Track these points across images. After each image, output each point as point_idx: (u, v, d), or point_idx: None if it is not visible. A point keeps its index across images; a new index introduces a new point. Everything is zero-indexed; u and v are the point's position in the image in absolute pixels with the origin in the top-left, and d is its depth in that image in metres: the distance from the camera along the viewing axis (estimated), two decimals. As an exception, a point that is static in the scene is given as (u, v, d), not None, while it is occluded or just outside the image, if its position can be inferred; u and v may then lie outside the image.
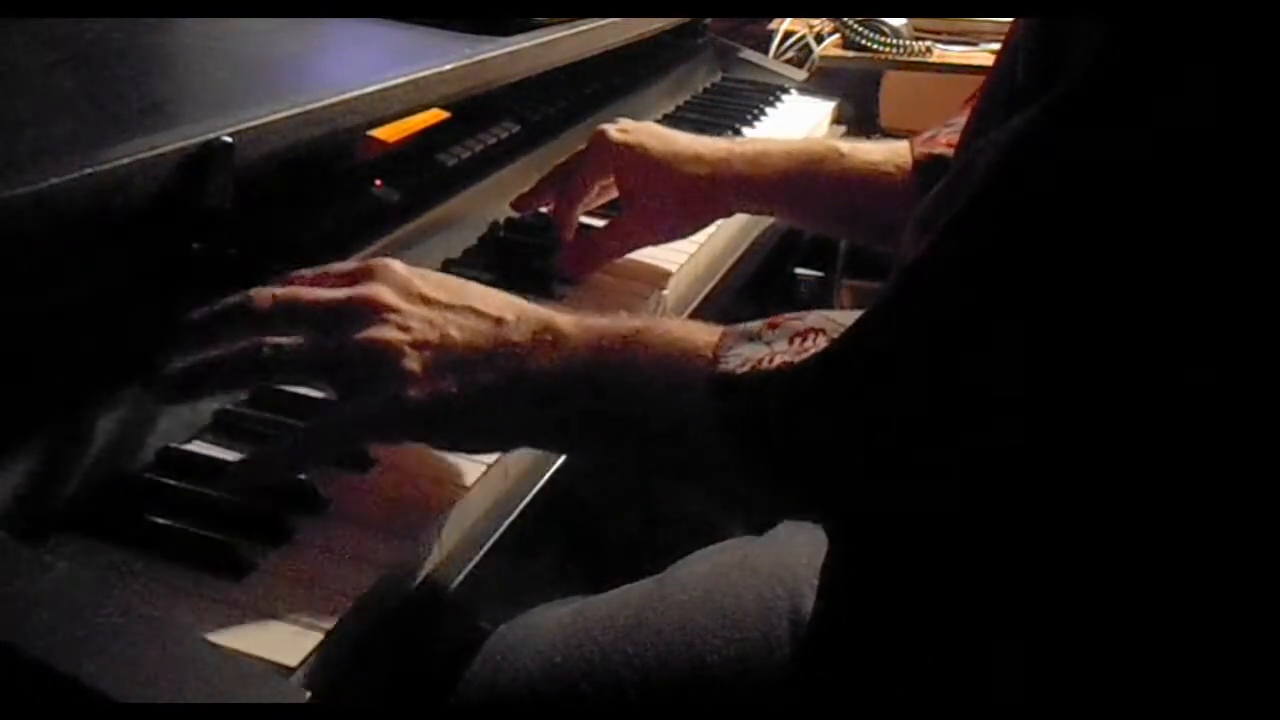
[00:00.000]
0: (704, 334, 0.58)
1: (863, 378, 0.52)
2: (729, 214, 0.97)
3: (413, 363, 0.58)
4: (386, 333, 0.58)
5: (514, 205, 0.96)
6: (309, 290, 0.61)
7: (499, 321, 0.60)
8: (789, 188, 0.92)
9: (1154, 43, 0.45)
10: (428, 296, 0.60)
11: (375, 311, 0.59)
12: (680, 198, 0.91)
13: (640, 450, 0.60)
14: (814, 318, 0.56)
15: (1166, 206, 0.45)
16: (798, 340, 0.55)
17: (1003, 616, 0.54)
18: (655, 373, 0.57)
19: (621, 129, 0.91)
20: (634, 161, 0.90)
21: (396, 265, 0.62)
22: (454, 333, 0.59)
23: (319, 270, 0.64)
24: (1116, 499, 0.49)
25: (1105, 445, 0.48)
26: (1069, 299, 0.47)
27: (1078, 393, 0.47)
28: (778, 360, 0.54)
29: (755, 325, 0.57)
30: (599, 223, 0.95)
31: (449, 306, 0.60)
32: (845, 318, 0.55)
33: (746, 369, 0.55)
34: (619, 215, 0.92)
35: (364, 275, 0.61)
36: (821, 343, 0.54)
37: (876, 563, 0.58)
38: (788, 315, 0.57)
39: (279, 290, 0.61)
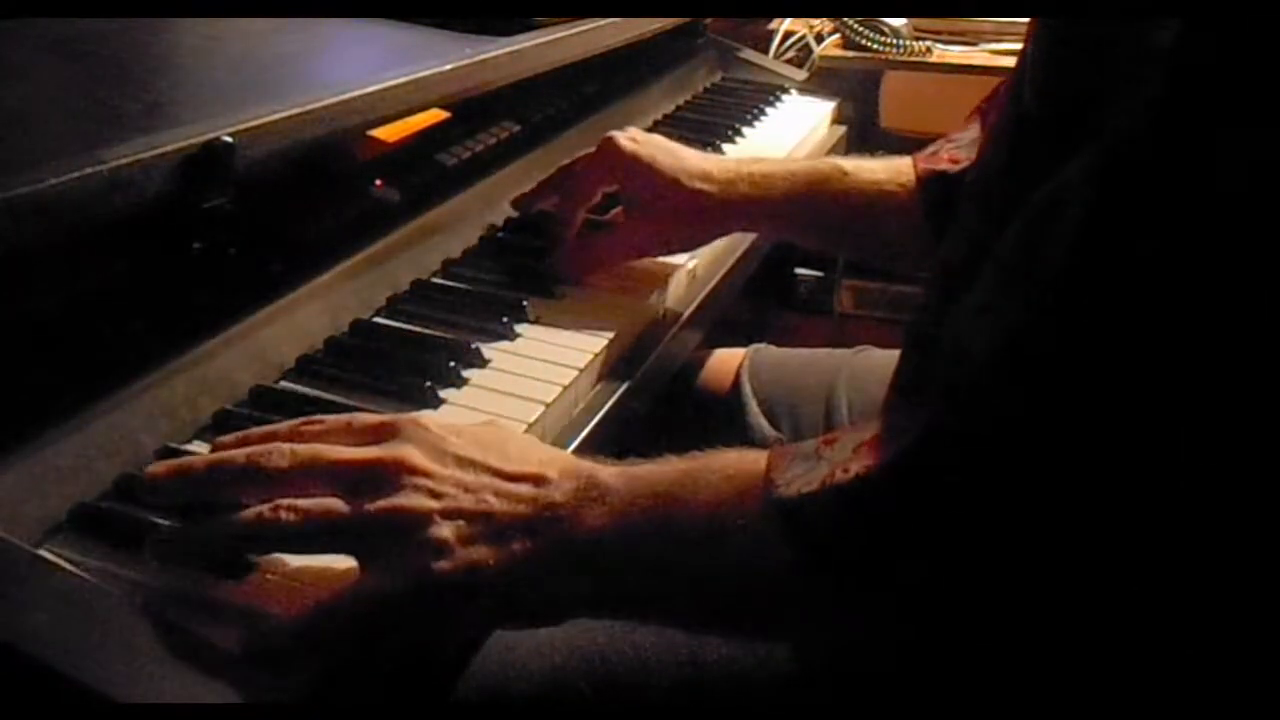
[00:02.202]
0: (757, 463, 0.54)
1: (976, 459, 0.48)
2: (729, 233, 0.96)
3: (444, 531, 0.53)
4: (416, 500, 0.53)
5: (514, 204, 0.96)
6: (331, 450, 0.56)
7: (539, 481, 0.55)
8: (793, 210, 0.92)
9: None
10: (461, 457, 0.55)
11: (404, 475, 0.54)
12: (685, 214, 0.90)
13: (710, 604, 0.55)
14: (874, 425, 0.52)
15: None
16: (866, 449, 0.51)
17: (1004, 618, 0.54)
18: (717, 514, 0.53)
19: (631, 138, 0.91)
20: (642, 173, 0.90)
21: (428, 422, 0.57)
22: (490, 498, 0.54)
23: (339, 419, 0.59)
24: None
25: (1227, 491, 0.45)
26: (1177, 360, 0.44)
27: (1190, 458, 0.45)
28: (854, 470, 0.50)
29: (808, 445, 0.54)
30: (602, 219, 0.95)
31: (485, 468, 0.55)
32: None
33: (814, 487, 0.51)
34: (622, 223, 0.92)
35: (391, 432, 0.56)
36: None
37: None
38: (841, 430, 0.54)
39: (299, 447, 0.56)
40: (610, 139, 0.91)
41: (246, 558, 0.55)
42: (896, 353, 0.69)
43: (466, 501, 0.54)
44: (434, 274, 0.85)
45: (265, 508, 0.53)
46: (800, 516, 0.51)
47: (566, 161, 0.95)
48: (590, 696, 0.68)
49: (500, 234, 0.95)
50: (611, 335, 0.80)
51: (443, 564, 0.52)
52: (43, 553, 0.52)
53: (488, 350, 0.75)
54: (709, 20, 1.50)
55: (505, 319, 0.79)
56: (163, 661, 0.45)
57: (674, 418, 0.98)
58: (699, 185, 0.90)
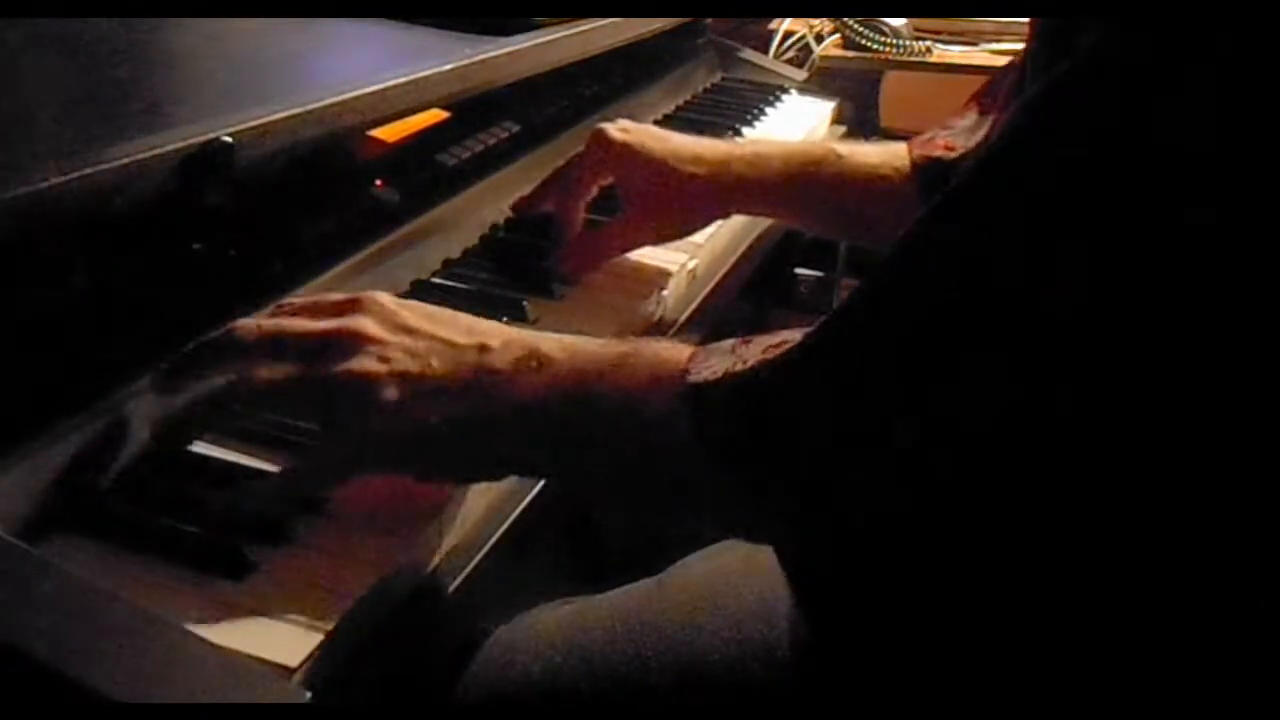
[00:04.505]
0: (684, 352, 0.57)
1: (845, 362, 0.51)
2: (726, 215, 0.97)
3: (391, 392, 0.57)
4: (367, 364, 0.58)
5: (514, 208, 0.96)
6: (293, 322, 0.61)
7: (482, 349, 0.59)
8: (787, 190, 0.92)
9: (1154, 37, 0.44)
10: (411, 327, 0.60)
11: (358, 343, 0.59)
12: (680, 198, 0.91)
13: (624, 478, 0.59)
14: (787, 333, 0.55)
15: (1156, 199, 0.44)
16: (771, 350, 0.54)
17: (998, 615, 0.54)
18: (635, 395, 0.56)
19: (621, 128, 0.91)
20: (634, 161, 0.90)
21: (383, 297, 0.62)
22: (434, 362, 0.59)
23: (309, 299, 0.64)
24: (1104, 491, 0.47)
25: (1092, 429, 0.46)
26: (1047, 283, 0.46)
27: (1058, 378, 0.46)
28: (752, 362, 0.54)
29: (727, 343, 0.57)
30: (603, 219, 0.95)
31: (432, 336, 0.60)
32: None
33: (718, 376, 0.54)
34: (619, 215, 0.92)
35: (350, 307, 0.61)
36: None
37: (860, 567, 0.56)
38: (761, 335, 0.56)
39: (265, 322, 0.61)
40: (600, 130, 0.91)
41: (246, 558, 0.55)
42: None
43: (413, 365, 0.58)
44: (434, 274, 0.85)
45: (235, 376, 0.60)
46: (701, 402, 0.54)
47: (562, 164, 0.95)
48: (590, 696, 0.68)
49: (500, 234, 0.95)
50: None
51: (388, 422, 0.57)
52: (42, 553, 0.52)
53: (488, 350, 0.75)
54: (709, 20, 1.50)
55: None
56: (163, 661, 0.45)
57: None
58: (690, 168, 0.91)
